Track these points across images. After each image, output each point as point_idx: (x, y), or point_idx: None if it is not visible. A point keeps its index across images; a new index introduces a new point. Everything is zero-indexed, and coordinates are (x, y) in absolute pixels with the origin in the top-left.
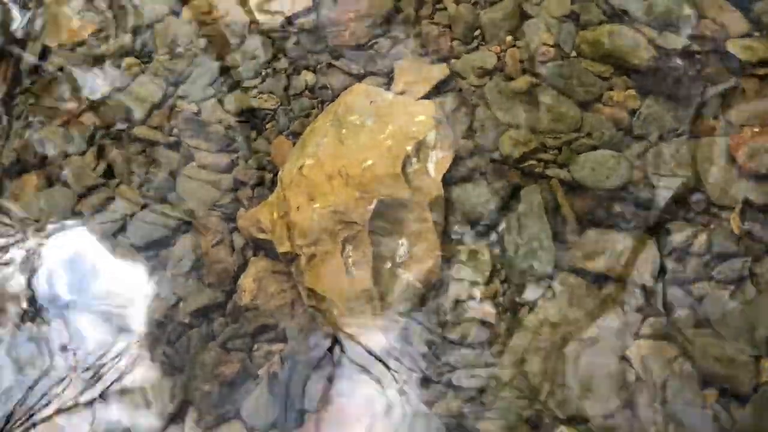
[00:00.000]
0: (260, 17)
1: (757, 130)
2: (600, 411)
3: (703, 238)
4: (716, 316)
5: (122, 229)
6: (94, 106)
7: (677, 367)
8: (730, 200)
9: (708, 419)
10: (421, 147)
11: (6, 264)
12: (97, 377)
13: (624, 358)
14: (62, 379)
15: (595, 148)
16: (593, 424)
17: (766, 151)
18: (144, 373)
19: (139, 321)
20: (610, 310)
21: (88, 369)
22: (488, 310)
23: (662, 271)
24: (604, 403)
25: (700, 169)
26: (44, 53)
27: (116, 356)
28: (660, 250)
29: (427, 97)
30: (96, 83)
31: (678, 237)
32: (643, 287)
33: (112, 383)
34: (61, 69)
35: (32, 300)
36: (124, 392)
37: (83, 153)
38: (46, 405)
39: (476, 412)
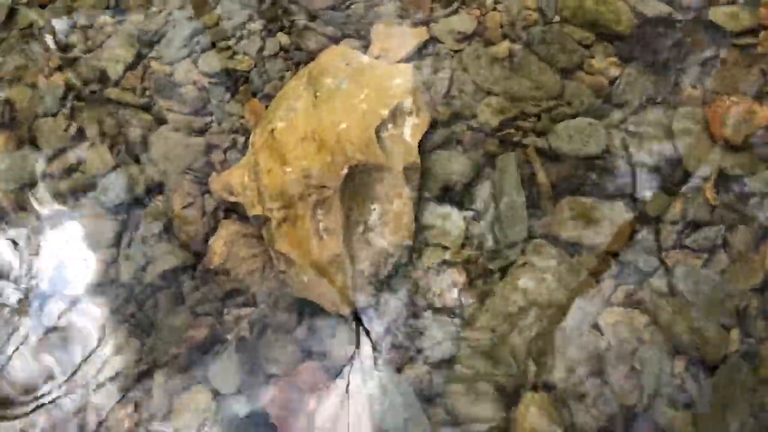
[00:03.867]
0: None
1: (735, 99)
2: (569, 378)
3: (677, 207)
4: (688, 285)
5: (93, 190)
6: (65, 66)
7: (648, 335)
8: (707, 169)
9: (676, 387)
10: (397, 112)
11: None
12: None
13: (595, 326)
14: None
15: (574, 116)
16: (562, 390)
17: (743, 121)
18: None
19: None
20: (583, 277)
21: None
22: (460, 276)
23: (636, 239)
24: (574, 370)
25: (678, 137)
26: (14, 9)
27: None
28: (635, 219)
29: (404, 61)
30: (68, 41)
31: (653, 205)
32: (617, 255)
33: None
34: (30, 26)
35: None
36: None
37: (55, 114)
38: None
39: (445, 377)
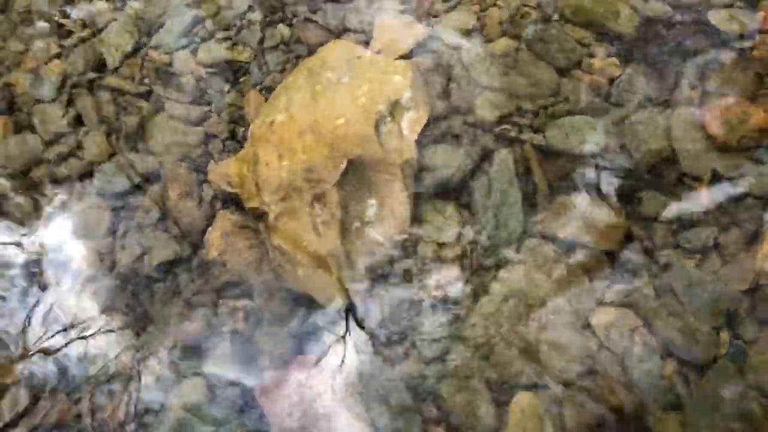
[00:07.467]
0: None
1: (732, 101)
2: (561, 377)
3: (672, 207)
4: (681, 286)
5: (90, 177)
6: (64, 53)
7: (639, 335)
8: (701, 171)
9: (666, 388)
10: (395, 107)
11: None
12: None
13: (587, 326)
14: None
15: (571, 113)
16: (554, 389)
17: (738, 123)
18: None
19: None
20: (577, 276)
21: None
22: (455, 272)
23: (630, 238)
24: (565, 369)
25: (674, 138)
26: None
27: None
28: (629, 218)
29: (404, 56)
30: (66, 28)
31: (648, 205)
32: (610, 254)
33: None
34: (29, 11)
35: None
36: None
37: (53, 100)
38: None
39: (438, 373)
